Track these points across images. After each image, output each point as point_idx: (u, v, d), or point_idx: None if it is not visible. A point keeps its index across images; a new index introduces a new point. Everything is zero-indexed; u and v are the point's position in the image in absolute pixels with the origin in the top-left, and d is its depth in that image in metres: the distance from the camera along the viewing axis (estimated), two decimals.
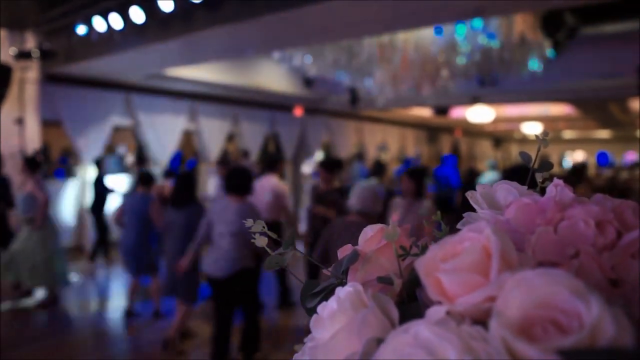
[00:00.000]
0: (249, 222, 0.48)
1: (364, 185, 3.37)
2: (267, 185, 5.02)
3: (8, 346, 4.31)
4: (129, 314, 5.00)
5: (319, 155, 11.86)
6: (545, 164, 0.53)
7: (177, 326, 4.22)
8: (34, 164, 5.23)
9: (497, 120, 13.86)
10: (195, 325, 4.75)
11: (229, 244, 3.54)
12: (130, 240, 4.84)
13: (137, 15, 5.23)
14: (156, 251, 5.13)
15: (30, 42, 6.60)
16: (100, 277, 6.95)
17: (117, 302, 5.56)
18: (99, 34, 5.68)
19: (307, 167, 6.98)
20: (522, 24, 6.67)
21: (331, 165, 4.99)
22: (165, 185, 6.33)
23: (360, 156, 12.67)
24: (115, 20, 5.45)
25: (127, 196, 5.12)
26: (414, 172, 4.02)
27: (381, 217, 3.78)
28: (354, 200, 3.23)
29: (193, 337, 4.51)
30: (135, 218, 4.80)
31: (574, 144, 21.82)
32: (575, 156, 21.16)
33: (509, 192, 0.46)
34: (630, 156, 19.91)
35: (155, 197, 5.02)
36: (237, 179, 3.65)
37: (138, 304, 5.25)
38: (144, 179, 4.98)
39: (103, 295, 6.00)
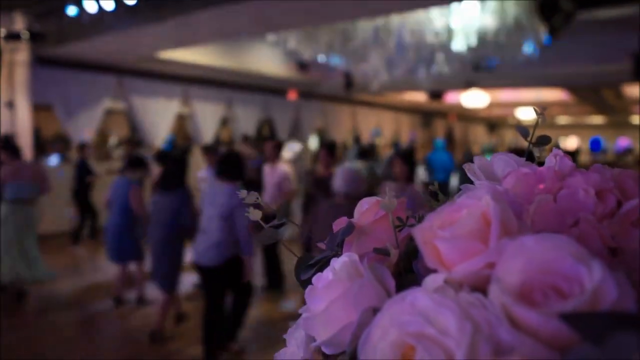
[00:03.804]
0: (242, 194, 0.47)
1: (347, 167, 3.30)
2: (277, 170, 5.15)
3: None
4: (118, 302, 4.88)
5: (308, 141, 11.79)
6: (543, 138, 0.52)
7: (161, 317, 4.14)
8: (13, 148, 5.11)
9: (491, 106, 13.86)
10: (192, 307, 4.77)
11: (218, 229, 3.43)
12: (113, 226, 4.72)
13: None
14: (140, 237, 4.89)
15: (20, 24, 6.49)
16: (86, 262, 6.90)
17: (104, 289, 5.45)
18: (90, 15, 5.58)
19: (288, 153, 6.87)
20: (518, 8, 6.62)
21: (334, 147, 4.91)
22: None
23: (357, 140, 12.64)
24: (107, 1, 5.36)
25: (115, 181, 5.00)
26: (406, 154, 3.87)
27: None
28: (339, 183, 3.16)
29: (187, 319, 4.49)
30: (118, 203, 4.68)
31: (568, 129, 21.89)
32: (569, 142, 21.25)
33: (506, 164, 0.45)
34: (623, 142, 20.02)
35: (142, 180, 4.89)
36: (229, 164, 3.61)
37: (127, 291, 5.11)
38: (132, 163, 4.85)
39: (89, 282, 5.93)
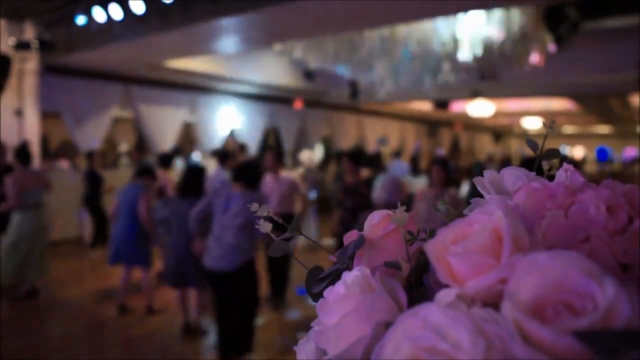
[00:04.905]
0: (254, 207, 0.47)
1: (389, 177, 3.36)
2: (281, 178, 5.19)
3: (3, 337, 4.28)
4: (122, 310, 4.89)
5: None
6: (552, 152, 0.52)
7: (199, 311, 4.41)
8: (26, 155, 5.26)
9: (497, 115, 13.84)
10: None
11: (235, 236, 3.51)
12: (122, 231, 4.80)
13: (137, 5, 5.20)
14: (150, 243, 4.99)
15: (30, 33, 6.57)
16: (95, 268, 6.89)
17: (112, 296, 5.41)
18: (99, 24, 5.65)
19: (308, 160, 6.82)
20: (523, 17, 6.64)
21: (357, 156, 4.96)
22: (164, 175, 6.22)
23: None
24: (115, 11, 5.42)
25: (123, 189, 5.09)
26: (444, 161, 4.33)
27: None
28: (379, 193, 3.23)
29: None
30: (127, 209, 4.78)
31: (574, 139, 21.80)
32: (575, 151, 21.15)
33: (517, 178, 0.46)
34: (630, 152, 19.90)
35: (150, 188, 4.97)
36: (249, 171, 3.73)
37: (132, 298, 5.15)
38: (140, 171, 5.06)
39: (97, 288, 5.92)
